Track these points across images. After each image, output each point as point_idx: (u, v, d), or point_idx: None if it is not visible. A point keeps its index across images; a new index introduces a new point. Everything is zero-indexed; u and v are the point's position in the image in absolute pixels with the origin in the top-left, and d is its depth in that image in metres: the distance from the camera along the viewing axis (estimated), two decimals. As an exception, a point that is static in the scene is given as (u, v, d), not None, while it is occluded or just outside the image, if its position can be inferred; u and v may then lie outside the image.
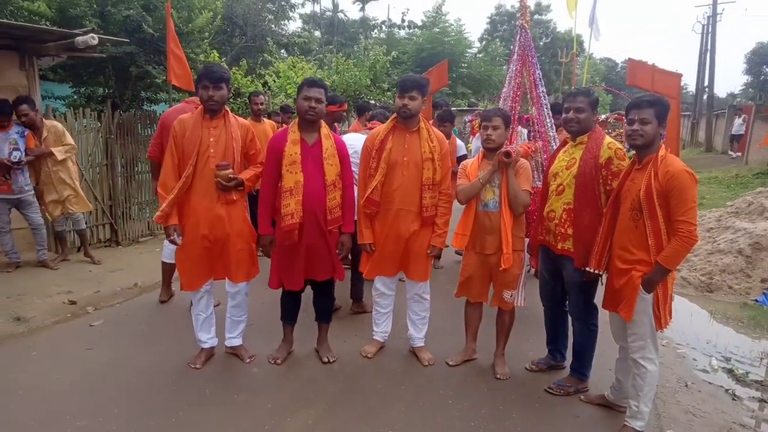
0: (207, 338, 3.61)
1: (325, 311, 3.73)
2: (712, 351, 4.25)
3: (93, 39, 5.76)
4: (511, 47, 5.12)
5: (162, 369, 3.52)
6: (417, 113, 3.44)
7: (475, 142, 5.47)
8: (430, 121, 4.97)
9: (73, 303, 4.73)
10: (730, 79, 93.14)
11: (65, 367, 3.56)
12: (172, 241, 3.34)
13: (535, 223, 3.53)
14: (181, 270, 3.46)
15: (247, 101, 7.03)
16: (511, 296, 3.50)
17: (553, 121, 4.70)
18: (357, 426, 2.97)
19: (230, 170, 3.27)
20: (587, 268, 3.03)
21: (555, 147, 4.62)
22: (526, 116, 5.07)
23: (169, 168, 3.30)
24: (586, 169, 3.06)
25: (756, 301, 5.32)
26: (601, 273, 3.02)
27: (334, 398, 3.24)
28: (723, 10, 25.01)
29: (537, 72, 4.61)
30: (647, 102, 2.75)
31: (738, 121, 18.92)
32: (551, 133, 4.60)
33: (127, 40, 7.71)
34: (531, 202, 3.43)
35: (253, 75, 13.51)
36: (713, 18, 23.18)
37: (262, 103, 6.26)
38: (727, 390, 3.63)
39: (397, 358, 3.76)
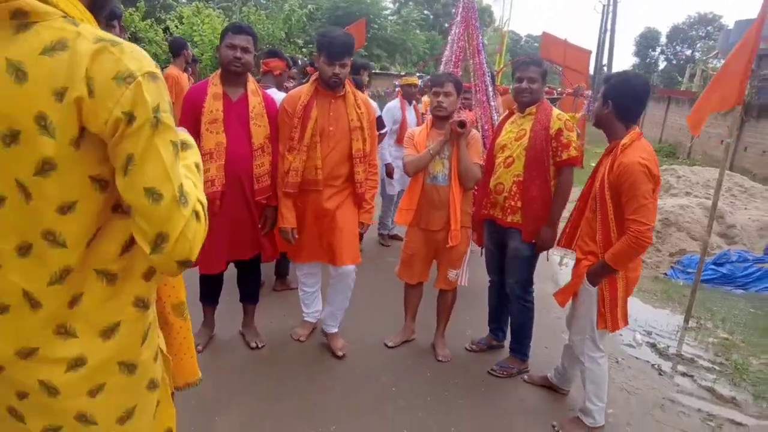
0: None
1: (251, 291, 3.34)
2: (634, 325, 4.38)
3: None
4: (453, 10, 4.83)
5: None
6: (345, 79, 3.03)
7: (410, 113, 5.20)
8: None
9: None
10: (621, 60, 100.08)
11: None
12: None
13: (478, 196, 3.35)
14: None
15: (143, 47, 6.17)
16: (455, 275, 3.31)
17: (493, 90, 4.51)
18: (295, 424, 2.66)
19: None
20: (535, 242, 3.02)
21: (496, 117, 4.47)
22: (466, 84, 4.85)
23: None
24: (537, 141, 2.95)
25: (665, 275, 5.61)
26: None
27: (266, 391, 2.90)
28: (623, -8, 26.33)
29: (480, 38, 4.38)
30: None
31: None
32: (492, 103, 4.42)
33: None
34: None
35: (152, 19, 12.18)
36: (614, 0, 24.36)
37: None
38: (653, 365, 3.74)
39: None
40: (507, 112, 3.32)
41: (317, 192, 3.02)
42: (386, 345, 3.47)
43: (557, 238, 2.99)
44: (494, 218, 3.18)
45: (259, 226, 3.06)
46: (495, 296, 3.46)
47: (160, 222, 0.97)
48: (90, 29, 0.96)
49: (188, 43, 5.45)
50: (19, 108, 0.91)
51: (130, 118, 0.93)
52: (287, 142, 2.96)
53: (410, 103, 5.26)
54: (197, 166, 1.15)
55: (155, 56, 10.32)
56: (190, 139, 1.20)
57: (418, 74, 8.11)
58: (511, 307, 3.28)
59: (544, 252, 3.16)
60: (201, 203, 1.06)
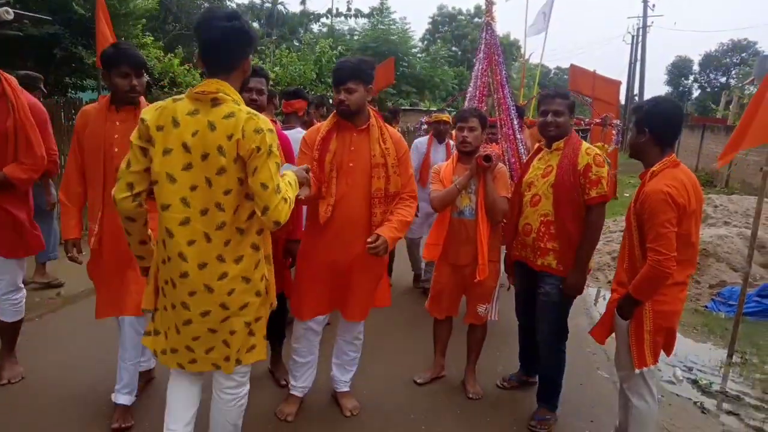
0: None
1: (278, 328, 3.30)
2: (674, 361, 4.22)
3: (8, 13, 5.08)
4: (478, 45, 4.91)
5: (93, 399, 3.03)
6: (360, 107, 2.69)
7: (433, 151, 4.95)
8: None
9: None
10: (653, 89, 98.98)
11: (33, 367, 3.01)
12: (72, 258, 2.80)
13: (507, 236, 3.24)
14: (97, 293, 2.83)
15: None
16: (485, 310, 3.28)
17: (519, 123, 4.53)
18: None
19: None
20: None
21: (523, 150, 4.47)
22: (491, 119, 4.90)
23: (71, 168, 2.77)
24: (564, 177, 2.81)
25: (706, 307, 5.41)
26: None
27: (294, 430, 2.89)
28: (652, 22, 26.32)
29: (503, 72, 4.43)
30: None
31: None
32: (519, 137, 4.43)
33: (50, 18, 6.94)
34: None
35: (190, 64, 12.72)
36: (644, 29, 24.35)
37: None
38: (695, 402, 3.58)
39: (362, 378, 3.36)
40: (536, 146, 3.19)
41: (331, 231, 2.73)
42: (416, 382, 3.42)
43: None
44: (526, 260, 3.04)
45: (282, 257, 3.04)
46: (525, 338, 3.33)
47: (266, 200, 1.87)
48: (244, 107, 1.93)
49: None
50: (210, 143, 1.86)
51: (259, 149, 1.86)
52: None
53: (441, 142, 4.99)
54: (291, 182, 2.07)
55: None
56: (290, 172, 2.14)
57: (447, 110, 8.14)
58: (541, 353, 3.09)
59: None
60: (289, 196, 1.96)
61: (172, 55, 11.38)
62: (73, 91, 9.19)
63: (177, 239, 1.91)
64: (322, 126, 2.81)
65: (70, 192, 2.75)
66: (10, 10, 5.11)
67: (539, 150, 3.11)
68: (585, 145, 2.92)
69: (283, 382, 3.26)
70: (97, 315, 2.78)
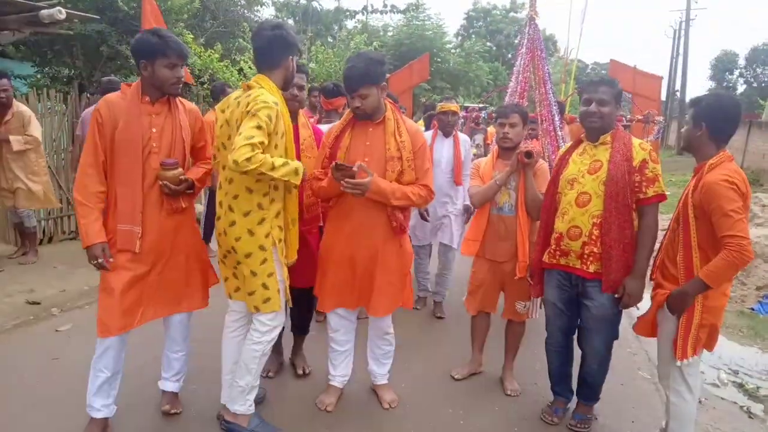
0: (102, 405, 2.57)
1: (303, 322, 3.38)
2: (719, 363, 4.11)
3: (60, 13, 5.27)
4: (518, 40, 4.85)
5: (143, 393, 3.13)
6: (376, 108, 2.73)
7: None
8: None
9: (35, 303, 4.29)
10: (696, 84, 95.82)
11: (26, 382, 3.15)
12: (99, 265, 2.44)
13: (539, 241, 2.94)
14: (102, 308, 2.49)
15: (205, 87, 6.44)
16: (524, 307, 3.25)
17: (560, 120, 4.47)
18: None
19: (179, 169, 2.57)
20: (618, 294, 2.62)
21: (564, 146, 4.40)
22: (532, 114, 4.84)
23: (90, 165, 2.48)
24: (618, 174, 2.55)
25: (752, 309, 5.24)
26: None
27: (335, 420, 2.93)
28: (696, 15, 25.45)
29: (546, 68, 4.38)
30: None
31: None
32: (559, 133, 4.37)
33: (98, 17, 7.18)
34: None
35: (228, 60, 12.94)
36: (686, 23, 23.60)
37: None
38: (741, 407, 3.48)
39: (400, 372, 3.38)
40: (576, 140, 2.92)
41: (348, 228, 2.78)
42: (453, 377, 3.43)
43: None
44: (569, 269, 2.74)
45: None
46: (559, 358, 3.01)
47: (235, 143, 2.23)
48: (262, 92, 2.39)
49: (228, 88, 5.73)
50: (236, 115, 2.42)
51: (248, 112, 2.31)
52: (314, 171, 2.84)
53: (447, 135, 4.25)
54: (284, 164, 2.35)
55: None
56: (299, 164, 2.45)
57: (480, 105, 8.00)
58: (588, 363, 2.87)
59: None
60: (257, 150, 2.22)
61: (212, 50, 11.60)
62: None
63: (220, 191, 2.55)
64: (338, 123, 2.90)
65: (90, 191, 2.45)
66: (63, 9, 5.30)
67: (578, 143, 2.84)
68: (636, 139, 2.69)
69: (300, 372, 3.36)
70: (129, 326, 2.51)
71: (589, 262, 2.65)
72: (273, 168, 2.26)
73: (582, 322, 2.81)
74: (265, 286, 2.49)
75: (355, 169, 2.54)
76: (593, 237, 2.62)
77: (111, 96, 2.54)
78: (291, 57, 2.53)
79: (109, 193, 2.50)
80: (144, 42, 2.49)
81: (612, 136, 2.67)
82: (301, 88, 3.02)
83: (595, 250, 2.62)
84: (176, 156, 2.59)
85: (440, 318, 4.39)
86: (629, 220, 2.59)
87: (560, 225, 2.73)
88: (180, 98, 2.70)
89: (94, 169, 2.46)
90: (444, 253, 4.42)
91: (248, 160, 2.16)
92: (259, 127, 2.25)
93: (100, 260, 2.41)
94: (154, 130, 2.53)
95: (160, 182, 2.51)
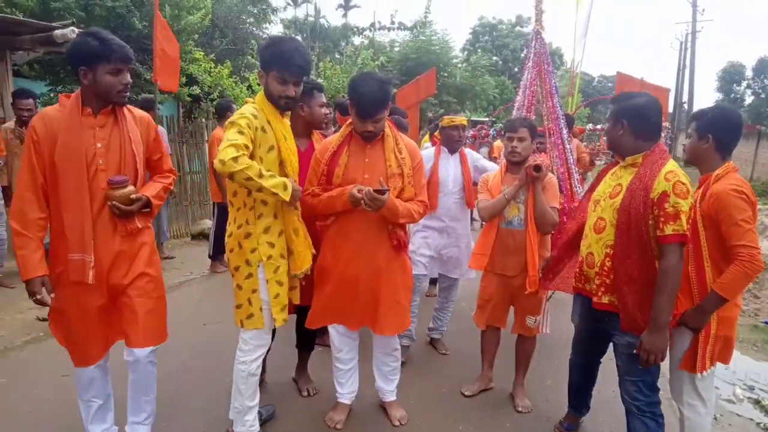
0: (103, 431, 2.53)
1: (309, 338, 3.30)
2: (733, 378, 4.05)
3: (74, 33, 5.37)
4: (525, 54, 4.87)
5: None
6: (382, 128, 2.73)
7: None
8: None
9: (45, 320, 4.28)
10: (703, 96, 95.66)
11: (36, 398, 3.16)
12: (39, 301, 2.23)
13: (568, 265, 2.89)
14: (69, 342, 2.38)
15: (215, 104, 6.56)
16: (534, 322, 3.23)
17: (568, 133, 4.48)
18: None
19: (130, 187, 2.30)
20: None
21: (572, 160, 4.41)
22: (540, 128, 4.85)
23: (27, 189, 2.21)
24: (632, 204, 2.27)
25: (766, 323, 5.17)
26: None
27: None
28: (702, 27, 25.51)
29: (553, 81, 4.39)
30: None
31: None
32: (567, 146, 4.37)
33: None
34: (560, 220, 3.17)
35: (237, 77, 13.09)
36: (693, 35, 23.64)
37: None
38: (758, 423, 3.42)
39: (410, 388, 3.39)
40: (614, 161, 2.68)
41: (350, 246, 2.72)
42: (463, 394, 3.40)
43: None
44: (588, 293, 2.57)
45: None
46: (580, 375, 2.92)
47: (220, 148, 2.22)
48: (246, 107, 2.47)
49: (233, 105, 5.79)
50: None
51: (230, 123, 2.35)
52: (310, 188, 2.74)
53: (453, 152, 3.74)
54: (273, 177, 2.30)
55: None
56: (288, 180, 2.39)
57: (491, 120, 7.98)
58: (631, 424, 2.46)
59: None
60: (242, 152, 2.22)
61: (222, 66, 11.73)
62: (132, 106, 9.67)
63: None
64: (333, 139, 2.80)
65: (28, 219, 2.19)
66: (76, 29, 5.41)
67: (616, 162, 2.58)
68: (669, 165, 2.27)
69: (305, 393, 3.30)
70: (90, 360, 2.41)
71: (600, 293, 2.44)
72: (261, 176, 2.21)
73: (615, 355, 2.54)
74: (249, 302, 2.50)
75: (382, 187, 2.57)
76: (605, 268, 2.41)
77: (48, 109, 2.26)
78: (270, 72, 2.44)
79: (54, 220, 2.24)
80: (81, 46, 2.19)
81: (644, 158, 2.35)
82: (325, 106, 3.08)
83: (606, 281, 2.41)
84: (127, 172, 2.30)
85: (445, 354, 3.97)
86: (647, 258, 2.27)
87: (582, 248, 2.59)
88: (128, 106, 2.40)
89: (32, 193, 2.20)
90: (448, 286, 3.98)
91: (235, 159, 2.14)
92: (240, 132, 2.26)
93: (38, 296, 2.20)
94: (99, 145, 2.23)
95: (109, 203, 2.24)
